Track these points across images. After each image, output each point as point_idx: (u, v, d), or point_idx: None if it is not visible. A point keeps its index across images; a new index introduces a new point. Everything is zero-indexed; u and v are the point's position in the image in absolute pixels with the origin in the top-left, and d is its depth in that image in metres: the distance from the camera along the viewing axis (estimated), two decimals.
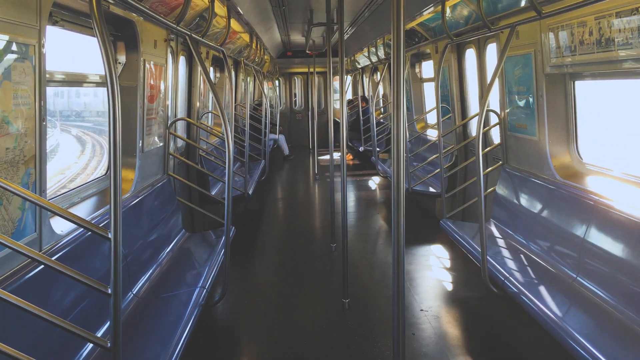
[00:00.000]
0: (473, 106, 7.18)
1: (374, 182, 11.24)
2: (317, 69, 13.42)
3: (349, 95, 17.46)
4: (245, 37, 8.89)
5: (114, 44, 4.52)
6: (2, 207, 2.63)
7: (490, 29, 4.81)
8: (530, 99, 4.96)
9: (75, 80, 4.23)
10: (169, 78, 5.65)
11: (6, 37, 2.59)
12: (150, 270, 4.37)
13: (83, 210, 3.99)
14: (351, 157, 14.79)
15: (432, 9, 6.27)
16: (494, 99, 6.02)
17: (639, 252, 3.42)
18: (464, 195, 6.85)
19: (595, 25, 3.77)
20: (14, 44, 2.66)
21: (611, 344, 3.09)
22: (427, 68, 9.88)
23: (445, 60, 7.25)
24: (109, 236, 2.34)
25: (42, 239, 3.00)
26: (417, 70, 10.08)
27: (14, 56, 2.66)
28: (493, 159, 6.19)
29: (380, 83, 12.72)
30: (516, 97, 5.26)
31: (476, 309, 4.91)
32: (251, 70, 11.17)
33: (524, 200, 5.07)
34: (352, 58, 15.12)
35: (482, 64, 6.55)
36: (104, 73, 2.33)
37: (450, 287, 5.49)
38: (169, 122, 5.65)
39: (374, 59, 11.79)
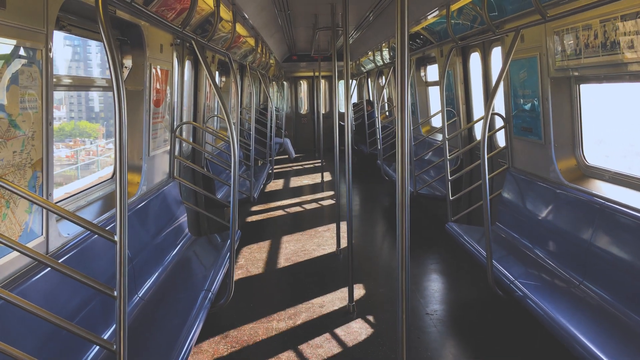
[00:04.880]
0: (478, 110, 7.17)
1: (380, 185, 11.23)
2: (323, 73, 13.45)
3: (354, 99, 17.48)
4: (251, 41, 8.92)
5: (120, 48, 4.55)
6: (10, 209, 2.65)
7: (495, 33, 4.81)
8: (536, 102, 4.95)
9: (82, 85, 4.26)
10: (175, 82, 5.68)
11: (14, 42, 2.61)
12: (156, 274, 4.39)
13: (89, 213, 4.01)
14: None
15: (437, 12, 6.28)
16: (499, 103, 6.02)
17: None
18: (469, 198, 6.84)
19: (600, 28, 3.77)
20: (22, 48, 2.68)
21: (618, 348, 3.07)
22: (432, 72, 9.88)
23: (450, 63, 7.25)
24: (115, 239, 2.35)
25: (49, 242, 3.02)
26: (422, 73, 10.08)
27: (22, 61, 2.69)
28: (498, 163, 6.17)
29: (386, 87, 12.74)
30: (521, 100, 5.25)
31: (481, 312, 4.89)
32: (257, 74, 11.19)
33: (529, 204, 5.06)
34: (358, 62, 15.14)
35: (487, 68, 6.55)
36: (110, 77, 2.35)
37: (455, 291, 5.47)
38: (175, 126, 5.68)
39: (379, 62, 11.79)
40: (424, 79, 10.09)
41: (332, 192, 10.68)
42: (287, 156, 15.44)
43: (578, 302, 3.70)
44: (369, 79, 15.67)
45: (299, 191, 11.14)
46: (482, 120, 4.63)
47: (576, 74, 4.35)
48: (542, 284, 4.07)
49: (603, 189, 4.30)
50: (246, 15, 6.73)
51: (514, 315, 4.66)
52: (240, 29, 7.31)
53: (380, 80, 13.80)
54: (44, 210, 2.95)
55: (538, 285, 4.03)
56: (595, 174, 4.59)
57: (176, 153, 5.71)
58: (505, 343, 4.30)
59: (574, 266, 4.11)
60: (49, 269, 2.82)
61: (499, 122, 5.90)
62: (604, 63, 3.83)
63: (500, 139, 6.37)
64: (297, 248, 6.95)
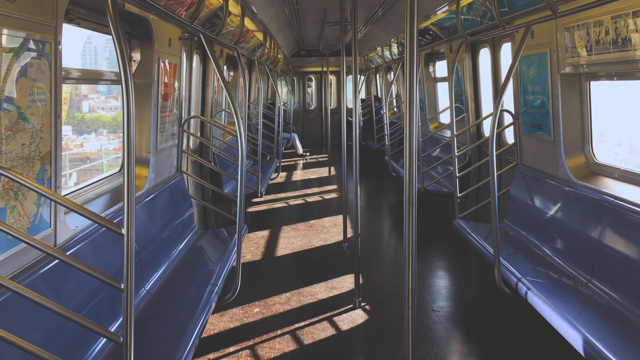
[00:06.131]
0: (487, 106, 7.13)
1: (387, 181, 11.21)
2: (331, 68, 13.41)
3: (362, 95, 17.44)
4: (259, 35, 8.92)
5: (128, 42, 4.56)
6: (18, 202, 2.67)
7: (505, 28, 4.78)
8: (545, 99, 4.92)
9: (90, 78, 4.27)
10: (183, 76, 5.68)
11: (23, 35, 2.62)
12: (163, 267, 4.40)
13: (97, 206, 4.03)
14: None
15: (446, 8, 6.24)
16: (508, 99, 5.98)
17: None
18: (477, 195, 6.81)
19: (611, 24, 3.73)
20: (31, 41, 2.69)
21: (626, 347, 3.05)
22: (441, 67, 9.83)
23: (459, 59, 7.21)
24: (123, 232, 2.36)
25: (57, 234, 3.04)
26: (430, 69, 10.03)
27: (31, 53, 2.69)
28: (507, 159, 6.14)
29: (394, 82, 12.70)
30: (531, 97, 5.22)
31: (488, 310, 4.88)
32: (265, 69, 11.18)
33: (538, 201, 5.03)
34: (366, 57, 15.10)
35: (497, 64, 6.50)
36: (118, 70, 2.35)
37: (462, 288, 5.46)
38: (183, 120, 5.68)
39: (388, 58, 11.75)
40: (432, 74, 10.04)
41: (339, 187, 10.67)
42: (294, 151, 15.46)
43: (585, 301, 3.67)
44: (377, 75, 15.62)
45: (306, 185, 11.14)
46: (490, 117, 4.60)
47: (586, 70, 4.31)
48: (550, 282, 4.05)
49: (612, 186, 4.26)
50: (255, 10, 6.71)
51: (521, 313, 4.64)
52: (248, 23, 7.30)
53: (388, 76, 13.76)
54: (53, 203, 2.96)
55: (545, 283, 4.01)
56: (605, 171, 4.56)
57: (184, 147, 5.72)
58: (512, 341, 4.29)
59: (581, 264, 4.09)
60: (57, 261, 2.83)
61: (507, 119, 5.86)
62: (615, 60, 3.79)
63: (509, 136, 6.34)
64: (303, 242, 6.96)
